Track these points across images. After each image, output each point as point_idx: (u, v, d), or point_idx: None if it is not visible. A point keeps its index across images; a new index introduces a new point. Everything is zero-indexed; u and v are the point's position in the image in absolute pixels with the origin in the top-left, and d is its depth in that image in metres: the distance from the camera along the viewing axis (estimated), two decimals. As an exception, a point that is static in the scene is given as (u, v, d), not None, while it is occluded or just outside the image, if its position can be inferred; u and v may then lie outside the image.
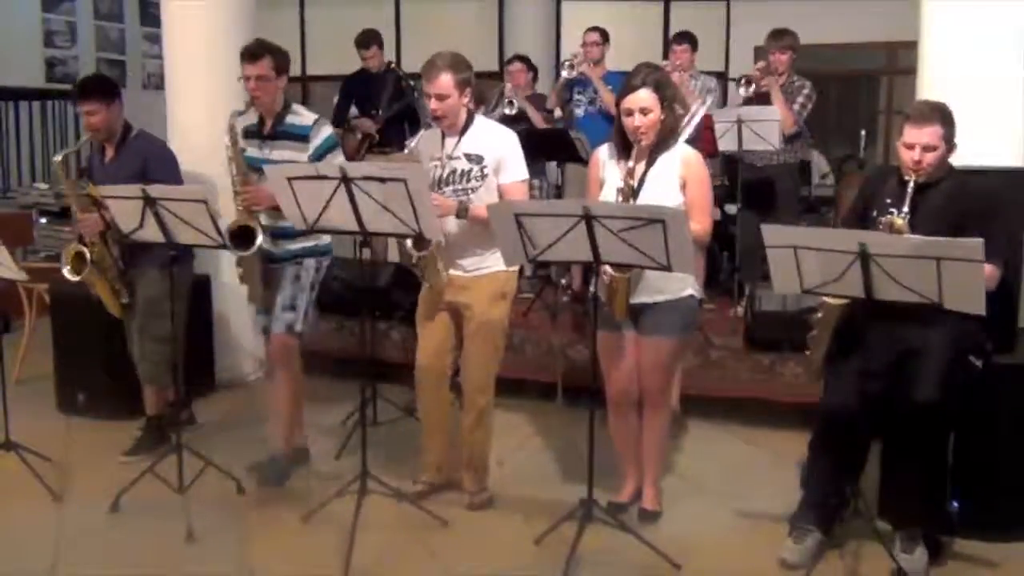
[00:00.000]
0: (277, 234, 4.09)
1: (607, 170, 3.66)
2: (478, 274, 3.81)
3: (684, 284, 3.59)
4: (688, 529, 3.75)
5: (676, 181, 3.54)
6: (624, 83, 3.59)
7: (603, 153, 3.71)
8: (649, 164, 3.53)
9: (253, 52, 3.99)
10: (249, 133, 4.11)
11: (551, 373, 5.19)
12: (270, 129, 4.06)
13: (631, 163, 3.47)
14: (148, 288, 4.36)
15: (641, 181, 3.50)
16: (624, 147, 3.58)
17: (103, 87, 4.40)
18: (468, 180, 3.74)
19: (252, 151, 4.08)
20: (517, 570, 3.49)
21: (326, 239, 4.18)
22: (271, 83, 3.99)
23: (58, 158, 4.40)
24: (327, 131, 4.05)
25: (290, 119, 4.06)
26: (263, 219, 4.03)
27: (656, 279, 3.52)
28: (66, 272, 4.23)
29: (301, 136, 4.00)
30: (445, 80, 3.65)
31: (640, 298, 3.57)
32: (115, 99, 4.36)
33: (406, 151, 3.72)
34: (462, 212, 3.69)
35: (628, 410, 3.79)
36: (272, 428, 4.35)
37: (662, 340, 3.64)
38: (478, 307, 3.80)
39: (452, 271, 3.82)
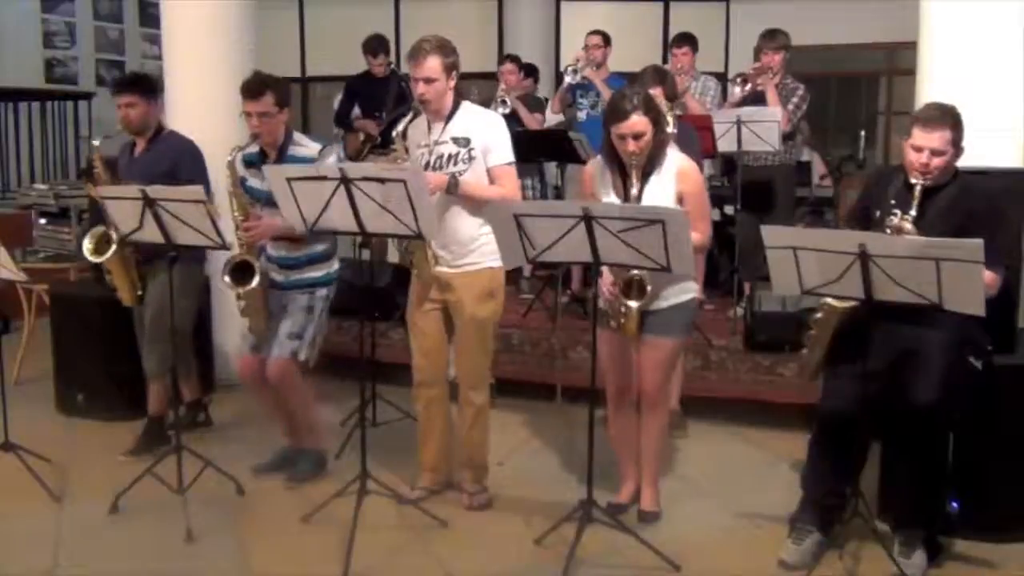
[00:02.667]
0: (286, 264, 4.07)
1: (602, 188, 3.64)
2: (463, 271, 3.77)
3: (685, 290, 3.61)
4: (688, 530, 3.75)
5: (672, 196, 3.53)
6: (611, 107, 3.56)
7: (598, 167, 3.69)
8: (643, 182, 3.50)
9: (253, 89, 3.93)
10: (251, 163, 4.07)
11: (551, 373, 5.19)
12: (274, 162, 4.01)
13: (634, 190, 3.45)
14: (161, 286, 4.34)
15: (637, 200, 3.48)
16: (618, 167, 3.57)
17: (145, 82, 4.50)
18: (455, 163, 3.71)
19: (254, 182, 4.04)
20: (517, 570, 3.49)
21: (335, 265, 4.17)
22: (273, 119, 3.96)
23: (97, 142, 4.44)
24: (332, 160, 4.01)
25: (293, 150, 4.02)
26: (273, 250, 4.04)
27: (662, 285, 3.52)
28: (87, 252, 4.24)
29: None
30: (433, 63, 3.63)
31: (647, 305, 3.56)
32: (155, 96, 4.47)
33: (394, 133, 3.71)
34: (452, 187, 3.65)
35: (627, 409, 3.80)
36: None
37: (664, 340, 3.64)
38: (466, 306, 3.78)
39: (437, 267, 3.78)
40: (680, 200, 3.53)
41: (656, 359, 3.67)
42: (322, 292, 4.13)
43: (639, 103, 3.47)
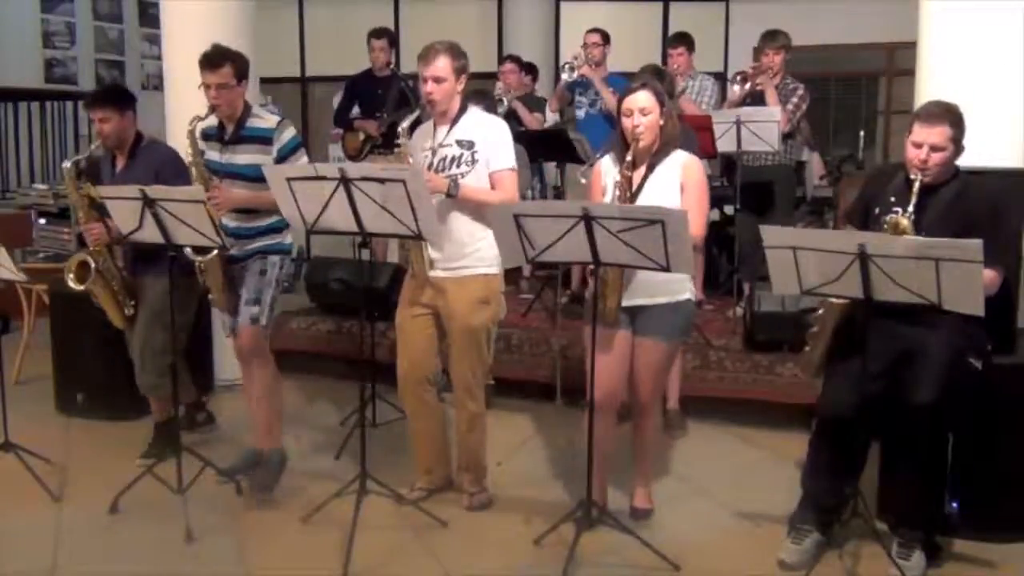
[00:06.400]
0: (240, 235, 4.08)
1: (609, 178, 3.65)
2: (457, 275, 3.75)
3: (682, 287, 3.59)
4: (687, 530, 3.75)
5: (676, 187, 3.54)
6: (626, 87, 3.63)
7: (605, 164, 3.70)
8: (648, 171, 3.54)
9: (213, 60, 3.97)
10: (209, 137, 4.11)
11: (551, 373, 5.20)
12: (232, 134, 4.05)
13: (628, 157, 3.45)
14: (153, 299, 4.33)
15: (640, 188, 3.51)
16: (626, 153, 3.56)
17: (117, 95, 4.45)
18: (458, 165, 3.71)
19: (212, 155, 4.08)
20: (517, 570, 3.49)
21: (288, 239, 4.19)
22: (232, 91, 3.98)
23: (67, 164, 4.38)
24: (290, 133, 4.05)
25: (252, 122, 4.05)
26: (228, 221, 4.04)
27: (653, 280, 3.50)
28: (70, 281, 4.25)
29: (265, 138, 4.00)
30: (443, 63, 3.65)
31: (637, 300, 3.56)
32: (128, 108, 4.40)
33: (399, 129, 3.73)
34: (452, 189, 3.66)
35: (610, 414, 3.73)
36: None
37: (659, 342, 3.61)
38: (458, 314, 3.76)
39: (431, 272, 3.78)
40: (681, 191, 3.53)
41: (651, 361, 3.63)
42: (274, 258, 4.13)
43: (649, 84, 3.56)
